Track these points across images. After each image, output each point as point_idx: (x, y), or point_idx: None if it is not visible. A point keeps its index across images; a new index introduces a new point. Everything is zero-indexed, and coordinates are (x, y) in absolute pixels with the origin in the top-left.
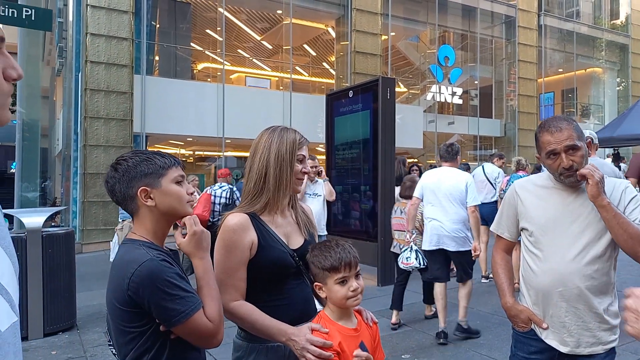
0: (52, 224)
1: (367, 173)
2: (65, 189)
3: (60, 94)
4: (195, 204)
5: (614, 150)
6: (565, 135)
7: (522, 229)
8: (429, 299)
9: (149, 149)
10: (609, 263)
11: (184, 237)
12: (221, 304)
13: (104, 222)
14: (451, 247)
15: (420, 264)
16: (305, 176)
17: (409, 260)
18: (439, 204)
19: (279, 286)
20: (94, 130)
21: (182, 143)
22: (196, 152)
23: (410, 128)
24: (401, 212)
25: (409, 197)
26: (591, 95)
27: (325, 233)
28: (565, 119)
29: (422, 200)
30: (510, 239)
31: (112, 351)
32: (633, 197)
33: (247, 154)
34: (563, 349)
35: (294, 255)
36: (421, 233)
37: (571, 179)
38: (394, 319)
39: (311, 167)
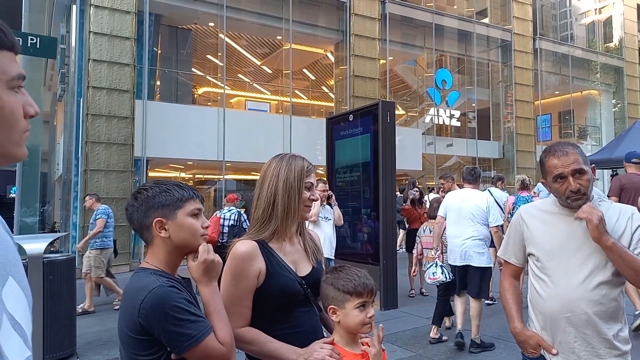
0: (51, 249)
1: (368, 196)
2: (65, 214)
3: (61, 118)
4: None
5: (613, 171)
6: (572, 159)
7: (529, 255)
8: (437, 320)
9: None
10: (617, 289)
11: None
12: (231, 328)
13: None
14: (472, 262)
15: (446, 277)
16: (318, 201)
17: (435, 275)
18: (461, 223)
19: (287, 314)
20: (95, 155)
21: (183, 167)
22: (196, 176)
23: (409, 150)
24: (430, 230)
25: (436, 217)
26: (588, 117)
27: (333, 257)
28: (570, 144)
29: (445, 219)
30: (517, 264)
31: None
32: (639, 226)
33: (246, 177)
34: None
35: (302, 282)
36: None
37: (579, 202)
38: (432, 334)
39: (322, 191)
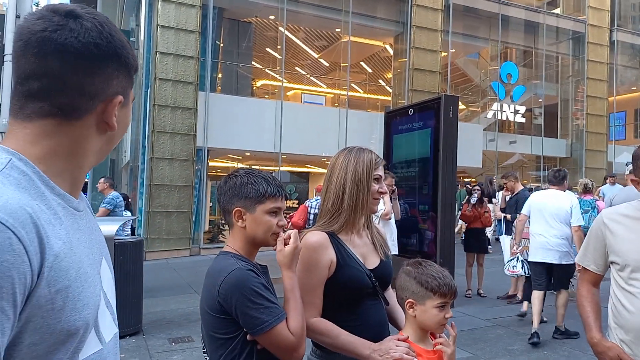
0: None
1: (427, 192)
2: (132, 199)
3: None
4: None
5: None
6: None
7: (612, 263)
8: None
9: (264, 171)
10: None
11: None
12: (304, 319)
13: (166, 231)
14: (555, 259)
15: (525, 272)
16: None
17: (515, 268)
18: (545, 222)
19: (355, 306)
20: (161, 144)
21: (240, 157)
22: (253, 166)
23: (468, 146)
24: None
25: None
26: None
27: (397, 253)
28: None
29: (529, 217)
30: (597, 272)
31: (205, 358)
32: None
33: (301, 169)
34: None
35: (370, 275)
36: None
37: None
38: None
39: (389, 185)
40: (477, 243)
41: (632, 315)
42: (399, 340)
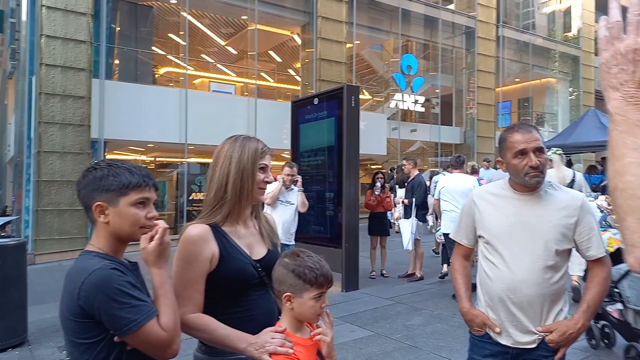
0: (3, 234)
1: (332, 180)
2: (17, 197)
3: (13, 97)
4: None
5: (566, 156)
6: (534, 137)
7: (479, 237)
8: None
9: (129, 162)
10: (559, 272)
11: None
12: (178, 314)
13: (58, 231)
14: None
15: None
16: (278, 183)
17: (442, 236)
18: (455, 200)
19: (241, 298)
20: (49, 136)
21: (143, 149)
22: (157, 159)
23: (374, 135)
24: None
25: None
26: (545, 105)
27: (294, 243)
28: (531, 125)
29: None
30: (468, 245)
31: None
32: (585, 218)
33: (210, 161)
34: (516, 345)
35: (256, 265)
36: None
37: (537, 179)
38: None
39: (288, 174)
40: (379, 227)
41: (493, 283)
42: (276, 332)
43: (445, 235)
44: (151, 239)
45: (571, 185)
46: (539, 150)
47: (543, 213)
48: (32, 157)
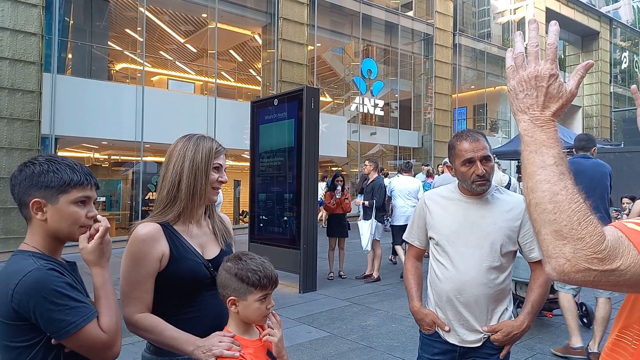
0: None
1: (291, 181)
2: None
3: None
4: (91, 231)
5: (518, 162)
6: (481, 146)
7: (430, 238)
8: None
9: (70, 158)
10: (504, 273)
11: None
12: (119, 315)
13: (4, 230)
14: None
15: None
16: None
17: (387, 225)
18: (405, 198)
19: (192, 298)
20: None
21: (97, 147)
22: (112, 157)
23: (334, 137)
24: None
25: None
26: (499, 111)
27: None
28: (479, 132)
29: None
30: (420, 246)
31: None
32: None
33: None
34: (463, 344)
35: (208, 265)
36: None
37: (483, 187)
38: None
39: None
40: (338, 228)
41: (442, 283)
42: (224, 335)
43: (393, 226)
44: (91, 238)
45: (507, 188)
46: (485, 159)
47: (489, 215)
48: None
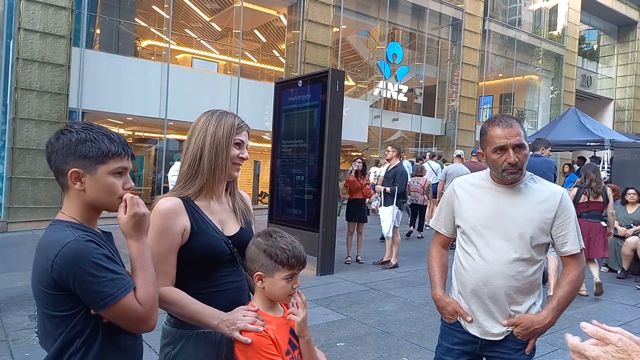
0: None
1: (312, 164)
2: None
3: None
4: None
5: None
6: (515, 132)
7: (457, 227)
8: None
9: (104, 126)
10: (534, 266)
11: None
12: (156, 287)
13: (32, 200)
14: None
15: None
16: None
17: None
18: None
19: (212, 273)
20: (26, 103)
21: (122, 122)
22: (136, 133)
23: (356, 122)
24: None
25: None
26: (527, 101)
27: None
28: (514, 118)
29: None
30: (447, 234)
31: (37, 338)
32: (562, 213)
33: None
34: (485, 336)
35: (228, 242)
36: None
37: (514, 176)
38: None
39: None
40: (357, 213)
41: (467, 273)
42: (248, 310)
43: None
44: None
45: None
46: (519, 147)
47: (520, 205)
48: (7, 123)
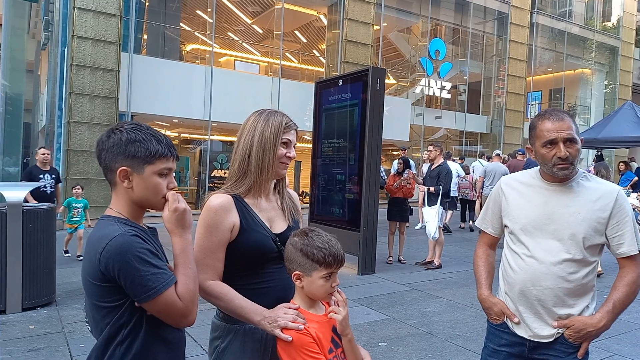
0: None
1: (353, 163)
2: None
3: (45, 68)
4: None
5: (597, 151)
6: (566, 126)
7: (505, 226)
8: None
9: (153, 128)
10: (586, 268)
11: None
12: (197, 283)
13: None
14: None
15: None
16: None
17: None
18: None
19: (258, 270)
20: (79, 107)
21: (168, 124)
22: (182, 135)
23: (397, 120)
24: None
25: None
26: (578, 96)
27: None
28: (565, 112)
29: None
30: (493, 234)
31: (88, 328)
32: (619, 212)
33: (233, 139)
34: (534, 338)
35: (276, 239)
36: None
37: (565, 172)
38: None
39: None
40: (399, 212)
41: (515, 274)
42: (289, 307)
43: None
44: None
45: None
46: (570, 141)
47: (572, 204)
48: (62, 127)
